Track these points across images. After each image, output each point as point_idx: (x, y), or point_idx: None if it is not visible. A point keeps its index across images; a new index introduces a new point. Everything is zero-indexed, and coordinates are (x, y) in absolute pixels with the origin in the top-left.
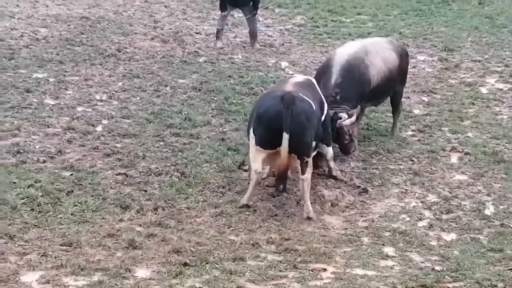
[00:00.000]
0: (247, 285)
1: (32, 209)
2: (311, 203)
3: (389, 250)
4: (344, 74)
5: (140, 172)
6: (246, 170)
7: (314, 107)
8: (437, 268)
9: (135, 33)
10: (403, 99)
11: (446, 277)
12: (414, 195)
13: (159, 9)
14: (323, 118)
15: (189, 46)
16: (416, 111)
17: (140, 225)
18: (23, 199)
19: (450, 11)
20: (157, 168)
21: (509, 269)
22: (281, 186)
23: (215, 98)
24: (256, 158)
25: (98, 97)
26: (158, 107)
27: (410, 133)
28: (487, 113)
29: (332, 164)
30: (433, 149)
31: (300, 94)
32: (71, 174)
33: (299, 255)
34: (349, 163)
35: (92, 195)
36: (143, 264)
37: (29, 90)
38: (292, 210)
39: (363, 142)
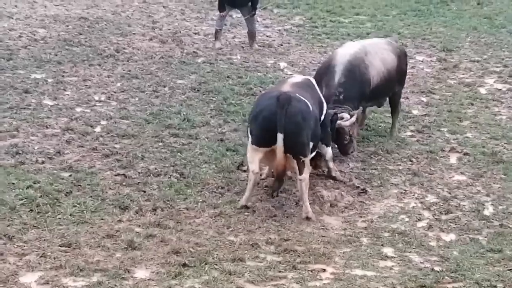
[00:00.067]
0: (246, 285)
1: (31, 210)
2: (310, 203)
3: (388, 250)
4: (347, 74)
5: (139, 172)
6: (245, 171)
7: (311, 107)
8: (437, 268)
9: (134, 33)
10: (402, 100)
11: (446, 277)
12: (413, 195)
13: (157, 9)
14: (322, 118)
15: (187, 47)
16: (415, 112)
17: (139, 226)
18: (22, 200)
19: (449, 12)
20: (156, 168)
21: (508, 270)
22: (274, 192)
23: (214, 99)
24: (253, 158)
25: (96, 98)
26: (156, 108)
27: (409, 133)
28: (486, 113)
29: (331, 164)
30: (432, 150)
31: (297, 94)
32: (70, 175)
33: (298, 256)
34: (348, 164)
35: (91, 196)
36: (142, 264)
37: (28, 91)
38: (291, 210)
39: (362, 143)
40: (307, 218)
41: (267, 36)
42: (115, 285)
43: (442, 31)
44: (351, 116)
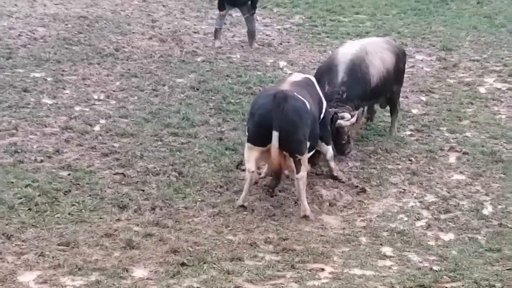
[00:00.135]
0: (245, 285)
1: (30, 209)
2: (309, 203)
3: (387, 250)
4: (350, 73)
5: (137, 171)
6: (244, 170)
7: (308, 106)
8: (435, 268)
9: (133, 32)
10: (401, 99)
11: (444, 277)
12: (412, 195)
13: (157, 8)
14: (321, 116)
15: (187, 46)
16: (414, 111)
17: (138, 225)
18: (20, 198)
19: (448, 11)
20: (155, 167)
21: (507, 269)
22: (271, 189)
23: (213, 98)
24: (250, 157)
25: (96, 97)
26: (156, 107)
27: (408, 132)
28: (485, 112)
29: (332, 164)
30: (431, 149)
31: (295, 93)
32: (69, 174)
33: (297, 255)
34: (347, 163)
35: (90, 195)
36: (140, 264)
37: (27, 90)
38: (290, 210)
39: (361, 142)
40: (305, 217)
41: (266, 35)
42: (114, 284)
43: (442, 30)
44: (352, 116)
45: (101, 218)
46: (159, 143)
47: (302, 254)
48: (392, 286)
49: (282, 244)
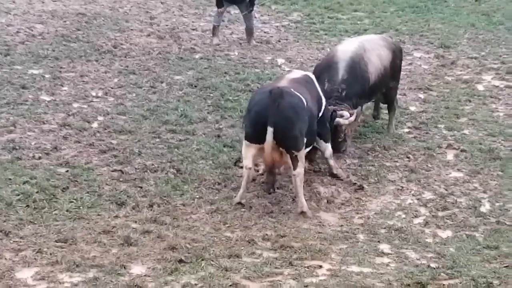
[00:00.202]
0: (243, 282)
1: (28, 206)
2: (306, 200)
3: (384, 247)
4: (349, 70)
5: (135, 168)
6: (242, 167)
7: (305, 102)
8: (433, 265)
9: (131, 29)
10: (399, 96)
11: (442, 274)
12: (410, 192)
13: (155, 5)
14: (320, 114)
15: (185, 43)
16: (412, 108)
17: (136, 222)
18: (18, 195)
19: (446, 8)
20: (152, 164)
21: (504, 266)
22: (270, 186)
23: (211, 95)
24: (247, 154)
25: (94, 94)
26: (154, 104)
27: (406, 130)
28: (483, 110)
29: (332, 162)
30: (429, 146)
31: (292, 90)
32: (67, 171)
33: (295, 252)
34: (345, 160)
35: (88, 192)
36: (138, 260)
37: (25, 86)
38: (288, 207)
39: (359, 139)
40: (302, 213)
41: (265, 32)
42: (111, 281)
43: (440, 28)
44: (351, 114)
45: (99, 215)
46: (157, 140)
47: (300, 251)
48: (390, 283)
49: (280, 241)
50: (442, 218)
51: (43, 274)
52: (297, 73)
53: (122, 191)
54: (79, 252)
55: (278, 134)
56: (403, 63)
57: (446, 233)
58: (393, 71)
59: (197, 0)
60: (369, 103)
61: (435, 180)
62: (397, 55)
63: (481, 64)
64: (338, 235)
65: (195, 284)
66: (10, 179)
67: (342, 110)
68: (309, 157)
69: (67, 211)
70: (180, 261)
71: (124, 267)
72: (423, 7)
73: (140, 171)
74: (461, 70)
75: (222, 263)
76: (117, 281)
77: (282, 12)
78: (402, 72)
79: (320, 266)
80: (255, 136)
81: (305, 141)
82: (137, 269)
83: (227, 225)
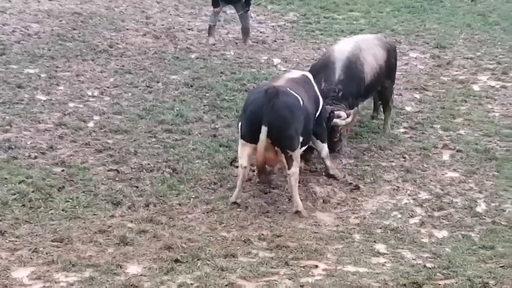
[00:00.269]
0: (239, 281)
1: (23, 205)
2: (302, 200)
3: (380, 247)
4: (346, 70)
5: (131, 168)
6: (237, 167)
7: (301, 102)
8: (429, 265)
9: (127, 29)
10: (395, 96)
11: (438, 274)
12: (406, 192)
13: (151, 5)
14: (317, 113)
15: (181, 42)
16: (408, 108)
17: (132, 221)
18: (14, 194)
19: (442, 8)
20: (148, 164)
21: (500, 266)
22: (266, 182)
23: (207, 95)
24: (243, 153)
25: (89, 93)
26: (150, 103)
27: (402, 130)
28: (479, 110)
29: (328, 162)
30: (425, 146)
31: (288, 89)
32: (63, 170)
33: (291, 252)
34: (341, 160)
35: (84, 191)
36: (134, 260)
37: (21, 86)
38: (284, 207)
39: (355, 139)
40: (297, 212)
41: (260, 32)
42: (107, 281)
43: (435, 28)
44: (348, 115)
45: (95, 214)
46: (153, 139)
47: (295, 251)
48: (386, 283)
49: (276, 241)
50: (438, 218)
51: (39, 274)
52: (295, 73)
53: (118, 191)
54: (75, 252)
55: (273, 134)
56: (399, 63)
57: (442, 233)
58: (388, 70)
59: (193, 0)
60: (365, 103)
61: (431, 180)
62: (391, 54)
63: (477, 65)
64: (334, 235)
65: (191, 284)
66: (6, 178)
67: (339, 110)
68: (305, 157)
69: (63, 210)
70: (176, 260)
71: (120, 267)
72: (419, 7)
73: (136, 171)
74: (457, 71)
75: (218, 263)
76: (113, 280)
77: (278, 12)
78: (398, 72)
79: (316, 266)
80: (250, 135)
81: (300, 141)
82: (133, 269)
83: (223, 224)
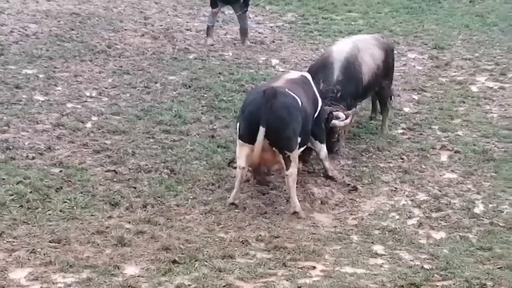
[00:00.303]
0: (236, 282)
1: (21, 206)
2: (300, 201)
3: (378, 248)
4: (344, 71)
5: (129, 169)
6: (235, 167)
7: (300, 103)
8: (426, 266)
9: (125, 29)
10: (396, 97)
11: (435, 275)
12: (404, 193)
13: (149, 5)
14: (316, 114)
15: (179, 43)
16: (406, 109)
17: (129, 222)
18: (12, 195)
19: (441, 9)
20: (146, 165)
21: (498, 268)
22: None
23: (205, 95)
24: (241, 154)
25: (88, 94)
26: (148, 104)
27: (400, 131)
28: (477, 111)
29: (327, 164)
30: (423, 147)
31: (286, 90)
32: (60, 171)
33: (288, 253)
34: (339, 161)
35: (81, 192)
36: (132, 261)
37: (19, 86)
38: (282, 208)
39: (353, 140)
40: (295, 213)
41: (259, 33)
42: (105, 282)
43: (434, 29)
44: (346, 116)
45: (92, 215)
46: (151, 140)
47: (293, 252)
48: (383, 285)
49: (274, 242)
50: (436, 219)
51: (36, 275)
52: (294, 74)
53: (116, 192)
54: (72, 253)
55: (270, 134)
56: (397, 64)
57: (439, 234)
58: (385, 70)
59: (191, 0)
60: (363, 104)
61: (429, 181)
62: (389, 54)
63: (475, 65)
64: (332, 236)
65: (189, 285)
66: (3, 179)
67: (337, 111)
68: (303, 158)
69: (60, 211)
70: (174, 261)
71: (118, 268)
72: (417, 8)
73: (134, 172)
74: (455, 71)
75: (215, 264)
76: (110, 281)
77: (276, 13)
78: (396, 73)
79: (314, 267)
80: (248, 136)
81: (298, 141)
82: (130, 270)
83: (221, 225)
